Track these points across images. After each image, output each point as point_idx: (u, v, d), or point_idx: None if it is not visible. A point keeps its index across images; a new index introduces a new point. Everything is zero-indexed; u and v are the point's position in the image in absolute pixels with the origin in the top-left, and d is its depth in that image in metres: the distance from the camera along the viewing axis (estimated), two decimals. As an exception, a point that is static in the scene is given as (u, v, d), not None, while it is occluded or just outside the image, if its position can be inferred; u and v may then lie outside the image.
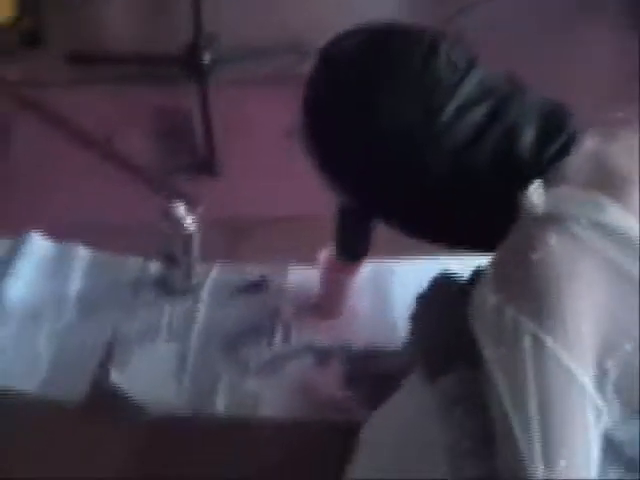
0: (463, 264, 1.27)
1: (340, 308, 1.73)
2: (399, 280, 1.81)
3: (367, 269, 1.72)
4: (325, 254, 1.71)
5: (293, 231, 1.96)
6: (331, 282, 1.72)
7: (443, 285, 1.15)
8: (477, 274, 1.14)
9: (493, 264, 0.96)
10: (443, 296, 1.14)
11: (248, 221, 1.99)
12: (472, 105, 1.00)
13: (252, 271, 1.84)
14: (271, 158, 2.22)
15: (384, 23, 1.09)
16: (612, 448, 0.90)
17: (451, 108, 0.99)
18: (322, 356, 1.64)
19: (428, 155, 1.00)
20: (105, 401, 1.57)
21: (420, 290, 1.26)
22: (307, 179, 2.13)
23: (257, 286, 1.80)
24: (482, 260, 1.21)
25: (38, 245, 1.88)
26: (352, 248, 1.16)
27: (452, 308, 1.09)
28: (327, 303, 1.74)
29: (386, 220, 1.10)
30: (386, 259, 1.81)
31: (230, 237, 1.95)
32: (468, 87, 1.00)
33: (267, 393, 1.58)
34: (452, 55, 1.02)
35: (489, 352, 0.91)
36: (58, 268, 1.84)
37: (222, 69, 2.41)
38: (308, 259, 1.84)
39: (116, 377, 1.60)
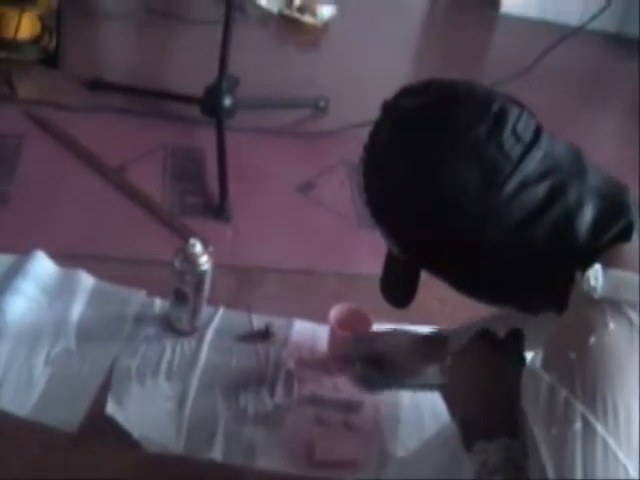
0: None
1: (345, 367, 1.71)
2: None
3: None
4: (335, 312, 1.71)
5: (300, 285, 1.95)
6: (339, 340, 1.71)
7: (481, 343, 1.14)
8: (513, 334, 1.14)
9: (547, 342, 0.96)
10: (482, 355, 1.13)
11: (256, 270, 1.98)
12: (534, 182, 0.99)
13: (257, 320, 1.82)
14: (282, 210, 2.22)
15: (452, 82, 1.07)
16: None
17: (513, 183, 0.98)
18: (323, 413, 1.61)
19: (484, 226, 1.00)
20: (99, 432, 1.53)
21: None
22: (317, 236, 2.17)
23: (261, 335, 1.78)
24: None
25: (42, 265, 1.84)
26: (397, 294, 1.16)
27: (491, 369, 1.09)
28: (333, 360, 1.72)
29: (433, 273, 1.10)
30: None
31: (236, 284, 1.93)
32: (532, 163, 0.99)
33: (265, 444, 1.55)
34: (519, 126, 1.00)
35: (539, 430, 0.90)
36: (60, 291, 1.80)
37: (240, 115, 2.41)
38: (313, 314, 1.83)
39: (112, 409, 1.55)
